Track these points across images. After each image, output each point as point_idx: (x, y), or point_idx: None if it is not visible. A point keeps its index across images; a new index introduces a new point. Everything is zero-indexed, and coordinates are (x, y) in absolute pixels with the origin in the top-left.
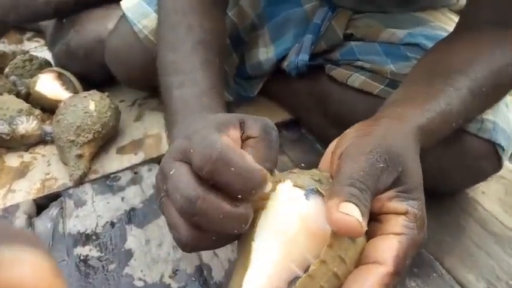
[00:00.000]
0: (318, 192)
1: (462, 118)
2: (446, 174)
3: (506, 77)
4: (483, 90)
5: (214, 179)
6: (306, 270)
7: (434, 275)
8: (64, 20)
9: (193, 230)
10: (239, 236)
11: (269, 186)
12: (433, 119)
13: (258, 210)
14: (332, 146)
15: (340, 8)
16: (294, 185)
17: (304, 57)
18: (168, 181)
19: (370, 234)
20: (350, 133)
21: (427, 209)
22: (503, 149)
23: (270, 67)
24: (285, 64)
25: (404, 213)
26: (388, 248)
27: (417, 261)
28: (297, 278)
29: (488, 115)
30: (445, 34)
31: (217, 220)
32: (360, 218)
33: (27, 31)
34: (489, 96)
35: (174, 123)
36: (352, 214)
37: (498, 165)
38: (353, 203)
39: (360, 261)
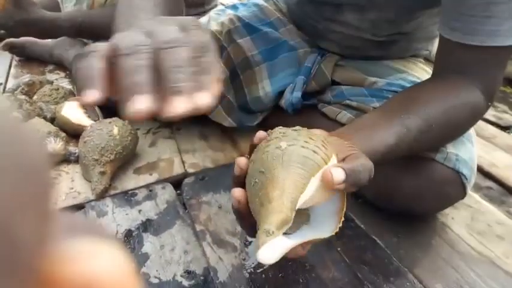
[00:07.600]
0: None
1: (407, 151)
2: (418, 198)
3: (459, 115)
4: (433, 127)
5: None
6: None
7: (408, 284)
8: None
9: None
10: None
11: None
12: (378, 149)
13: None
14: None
15: (328, 53)
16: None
17: (297, 94)
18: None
19: None
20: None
21: (405, 231)
22: (466, 178)
23: (269, 102)
24: (282, 101)
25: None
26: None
27: (394, 272)
28: None
29: (451, 149)
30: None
31: None
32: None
33: (48, 64)
34: (440, 132)
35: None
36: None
37: (463, 193)
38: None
39: None
